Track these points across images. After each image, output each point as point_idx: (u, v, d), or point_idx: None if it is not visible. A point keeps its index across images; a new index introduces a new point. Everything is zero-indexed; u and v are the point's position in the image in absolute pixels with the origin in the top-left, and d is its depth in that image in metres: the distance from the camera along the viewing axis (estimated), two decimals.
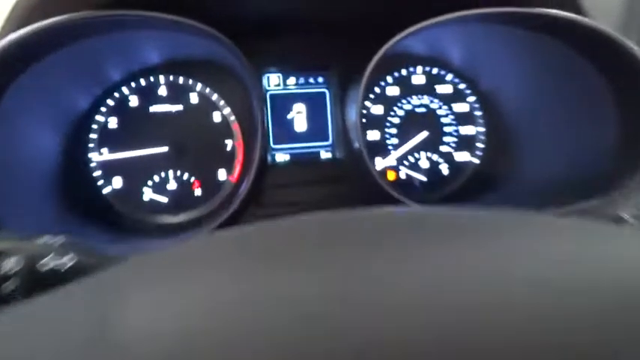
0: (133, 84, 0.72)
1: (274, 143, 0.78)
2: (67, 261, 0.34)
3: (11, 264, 0.32)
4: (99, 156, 0.71)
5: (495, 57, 0.76)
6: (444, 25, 0.61)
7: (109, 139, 0.71)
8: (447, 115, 0.82)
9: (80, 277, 0.19)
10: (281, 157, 0.78)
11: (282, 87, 0.77)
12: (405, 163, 0.81)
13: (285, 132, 0.78)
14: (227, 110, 0.75)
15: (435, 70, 0.82)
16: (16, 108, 0.55)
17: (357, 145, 0.67)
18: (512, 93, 0.78)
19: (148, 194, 0.73)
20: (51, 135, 0.65)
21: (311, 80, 0.78)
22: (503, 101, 0.80)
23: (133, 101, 0.73)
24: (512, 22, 0.63)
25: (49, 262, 0.34)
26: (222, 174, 0.75)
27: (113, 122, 0.72)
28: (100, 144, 0.71)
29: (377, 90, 0.80)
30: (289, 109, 0.78)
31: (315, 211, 0.21)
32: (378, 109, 0.80)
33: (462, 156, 0.83)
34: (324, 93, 0.79)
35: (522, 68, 0.74)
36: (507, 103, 0.80)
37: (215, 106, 0.75)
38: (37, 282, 0.33)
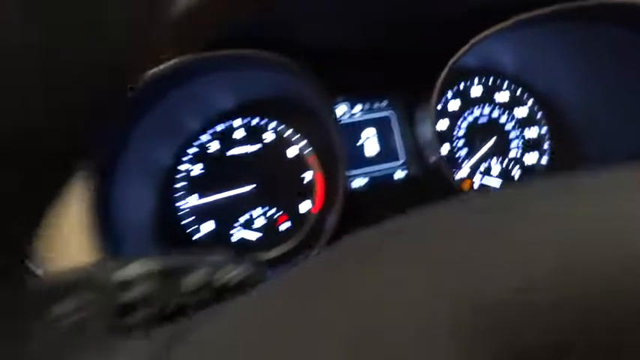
0: (210, 131, 0.76)
1: (348, 170, 0.80)
2: (238, 274, 0.36)
3: (196, 278, 0.33)
4: (188, 203, 0.73)
5: (549, 59, 0.78)
6: (498, 34, 0.64)
7: (195, 186, 0.74)
8: (509, 121, 0.83)
9: (247, 289, 0.19)
10: (357, 183, 0.80)
11: (348, 115, 0.80)
12: (478, 172, 0.82)
13: (358, 158, 0.80)
14: (302, 143, 0.77)
15: (490, 81, 0.84)
16: (118, 167, 0.59)
17: (433, 158, 0.69)
18: (569, 91, 0.80)
19: (237, 234, 0.74)
20: (146, 189, 0.68)
21: (375, 105, 0.81)
22: (562, 100, 0.82)
23: (213, 147, 0.76)
24: (569, 18, 0.66)
25: (222, 276, 0.35)
26: (303, 206, 0.77)
27: (197, 169, 0.75)
28: (188, 191, 0.74)
29: (439, 106, 0.82)
30: (359, 136, 0.80)
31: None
32: (443, 124, 0.82)
33: (531, 158, 0.84)
34: (388, 116, 0.81)
35: (577, 65, 0.76)
36: (566, 101, 0.81)
37: (291, 142, 0.77)
38: (215, 296, 0.34)
